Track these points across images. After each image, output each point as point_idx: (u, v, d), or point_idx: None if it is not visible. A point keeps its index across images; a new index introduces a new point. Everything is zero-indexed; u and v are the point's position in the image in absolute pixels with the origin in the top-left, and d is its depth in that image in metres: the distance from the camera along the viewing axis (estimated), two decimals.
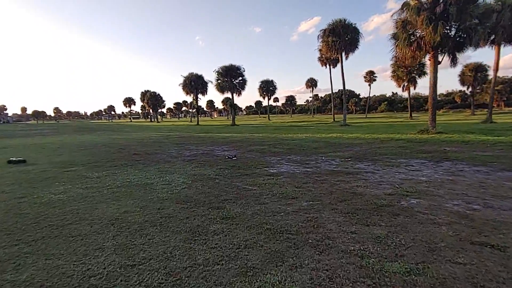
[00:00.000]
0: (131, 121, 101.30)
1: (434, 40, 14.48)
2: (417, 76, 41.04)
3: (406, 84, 41.46)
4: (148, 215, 4.36)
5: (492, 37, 22.67)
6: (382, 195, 5.13)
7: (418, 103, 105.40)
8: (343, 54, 27.94)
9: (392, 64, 41.80)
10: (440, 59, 16.25)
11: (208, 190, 5.74)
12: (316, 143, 13.73)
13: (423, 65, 39.80)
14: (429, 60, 16.38)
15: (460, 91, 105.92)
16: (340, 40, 26.92)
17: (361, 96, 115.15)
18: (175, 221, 4.10)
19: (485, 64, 46.05)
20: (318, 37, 28.28)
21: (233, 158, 9.79)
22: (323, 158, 9.55)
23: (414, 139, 13.70)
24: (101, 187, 6.24)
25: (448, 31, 15.42)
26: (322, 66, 43.45)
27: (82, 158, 10.69)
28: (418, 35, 15.74)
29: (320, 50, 41.31)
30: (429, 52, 15.49)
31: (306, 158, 9.54)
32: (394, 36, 16.55)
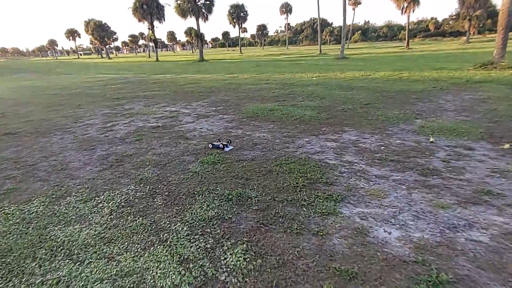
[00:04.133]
0: (78, 58, 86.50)
1: None
2: None
3: (406, 5, 34.87)
4: None
5: None
6: None
7: (392, 32, 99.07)
8: None
9: None
10: None
11: None
12: (354, 93, 8.18)
13: None
14: None
15: (432, 18, 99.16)
16: None
17: (334, 25, 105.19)
18: None
19: None
20: None
21: (225, 148, 4.12)
22: (431, 139, 4.18)
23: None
24: None
25: None
26: None
27: None
28: None
29: None
30: None
31: (398, 144, 4.11)
32: None
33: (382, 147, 4.02)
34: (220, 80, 12.78)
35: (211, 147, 4.23)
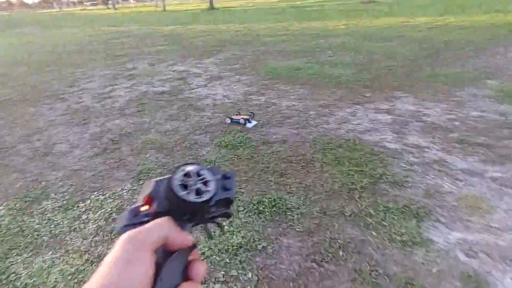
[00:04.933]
0: (84, 10, 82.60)
1: None
2: None
3: None
4: None
5: None
6: None
7: None
8: None
9: None
10: None
11: None
12: (394, 45, 6.87)
13: None
14: None
15: None
16: None
17: None
18: None
19: None
20: None
21: (247, 124, 3.22)
22: None
23: None
24: None
25: None
26: None
27: None
28: None
29: None
30: None
31: (476, 117, 3.10)
32: None
33: (457, 122, 3.02)
34: (234, 32, 11.35)
35: (229, 122, 3.33)
